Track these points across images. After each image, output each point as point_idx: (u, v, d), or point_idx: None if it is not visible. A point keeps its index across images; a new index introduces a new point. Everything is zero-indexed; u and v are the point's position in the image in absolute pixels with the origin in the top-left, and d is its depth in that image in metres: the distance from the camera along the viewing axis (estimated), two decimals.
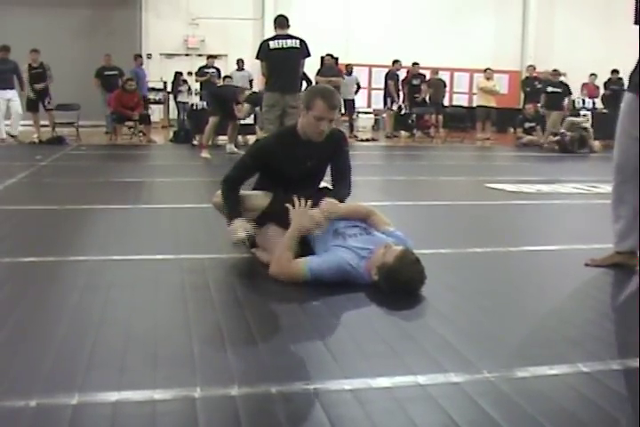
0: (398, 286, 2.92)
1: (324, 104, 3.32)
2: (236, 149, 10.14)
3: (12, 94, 11.51)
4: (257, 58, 7.72)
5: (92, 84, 13.18)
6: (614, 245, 3.55)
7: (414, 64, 14.80)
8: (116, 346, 2.27)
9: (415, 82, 14.76)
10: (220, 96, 10.09)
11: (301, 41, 7.44)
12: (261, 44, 7.64)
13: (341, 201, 3.44)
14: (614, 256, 3.56)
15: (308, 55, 7.60)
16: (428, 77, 15.07)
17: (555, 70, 13.55)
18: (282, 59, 7.36)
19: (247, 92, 9.82)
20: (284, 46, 7.40)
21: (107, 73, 13.07)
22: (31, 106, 11.92)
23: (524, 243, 4.16)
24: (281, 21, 7.56)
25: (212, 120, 9.90)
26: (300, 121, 3.48)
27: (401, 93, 14.73)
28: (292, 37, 7.46)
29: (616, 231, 3.53)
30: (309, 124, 3.40)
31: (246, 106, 9.76)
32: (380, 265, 2.95)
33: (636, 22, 3.44)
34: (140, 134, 12.36)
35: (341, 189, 3.57)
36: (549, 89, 13.22)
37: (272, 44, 7.44)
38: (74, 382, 1.96)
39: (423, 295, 2.94)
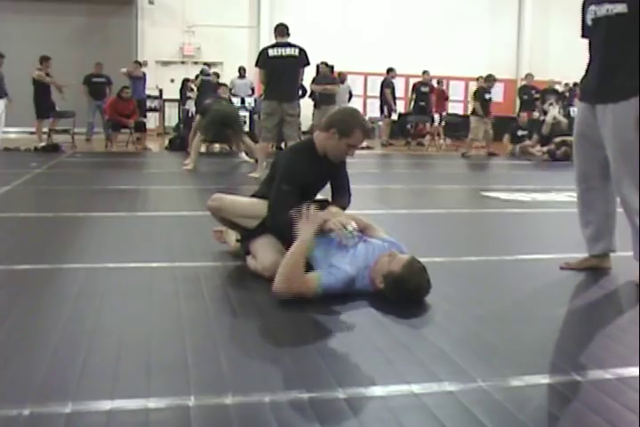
0: (406, 294, 2.91)
1: (362, 135, 3.33)
2: (247, 158, 10.01)
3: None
4: (256, 65, 7.75)
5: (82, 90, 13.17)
6: (587, 249, 3.64)
7: (424, 72, 14.96)
8: (109, 354, 2.27)
9: (424, 89, 14.88)
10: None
11: (301, 49, 7.44)
12: (261, 52, 7.66)
13: (343, 209, 3.45)
14: (588, 260, 3.64)
15: (308, 64, 7.60)
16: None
17: (489, 75, 13.12)
18: (280, 67, 7.37)
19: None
20: (283, 54, 7.41)
21: (94, 80, 13.09)
22: (41, 113, 11.92)
23: (518, 251, 4.17)
24: (281, 29, 7.58)
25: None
26: (325, 142, 3.37)
27: (399, 101, 14.81)
28: (291, 46, 7.47)
29: (587, 236, 3.63)
30: (338, 149, 3.35)
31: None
32: (386, 273, 2.94)
33: (583, 36, 3.49)
34: (137, 141, 12.37)
35: (343, 198, 3.57)
36: (487, 96, 12.81)
37: (271, 52, 7.45)
38: (67, 391, 1.95)
39: (418, 304, 2.94)
